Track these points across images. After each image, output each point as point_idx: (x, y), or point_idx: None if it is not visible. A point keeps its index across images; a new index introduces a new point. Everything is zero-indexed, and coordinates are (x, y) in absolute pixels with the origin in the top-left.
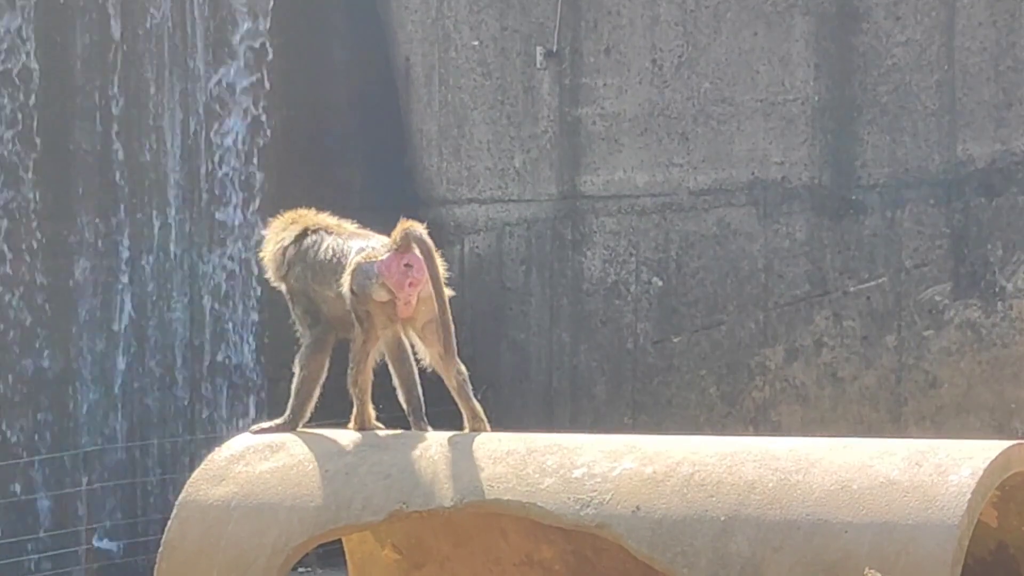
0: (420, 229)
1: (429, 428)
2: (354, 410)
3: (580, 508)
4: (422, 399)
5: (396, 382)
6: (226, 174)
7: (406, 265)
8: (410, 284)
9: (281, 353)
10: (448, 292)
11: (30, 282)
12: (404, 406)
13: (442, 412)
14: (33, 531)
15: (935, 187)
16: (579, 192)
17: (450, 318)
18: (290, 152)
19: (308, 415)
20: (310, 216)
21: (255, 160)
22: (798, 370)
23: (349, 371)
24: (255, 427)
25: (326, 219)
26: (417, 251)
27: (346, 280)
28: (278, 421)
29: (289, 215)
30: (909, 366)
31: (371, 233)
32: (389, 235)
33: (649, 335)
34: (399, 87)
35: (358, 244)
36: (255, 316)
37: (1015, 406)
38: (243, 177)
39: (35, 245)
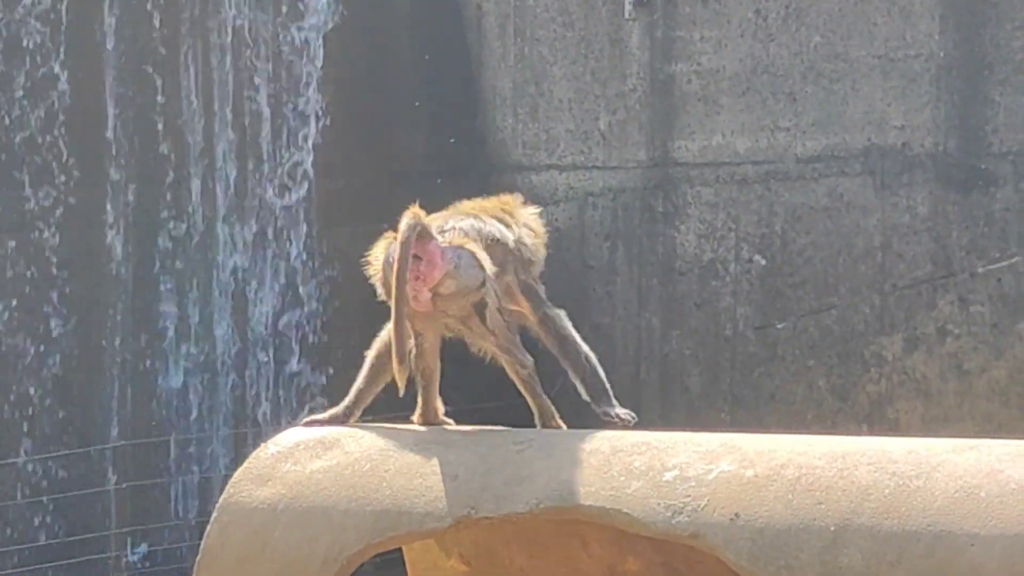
0: (407, 217)
1: (616, 410)
2: (419, 401)
3: (671, 515)
4: (604, 381)
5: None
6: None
7: (415, 257)
8: (416, 278)
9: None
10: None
11: None
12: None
13: (508, 406)
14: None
15: None
16: (672, 159)
17: (400, 327)
18: (345, 112)
19: (362, 407)
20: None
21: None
22: (919, 361)
23: (411, 358)
24: (307, 419)
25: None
26: (436, 242)
27: (375, 272)
28: (334, 410)
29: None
30: None
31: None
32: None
33: (750, 320)
34: (469, 38)
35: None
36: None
37: None
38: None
39: None
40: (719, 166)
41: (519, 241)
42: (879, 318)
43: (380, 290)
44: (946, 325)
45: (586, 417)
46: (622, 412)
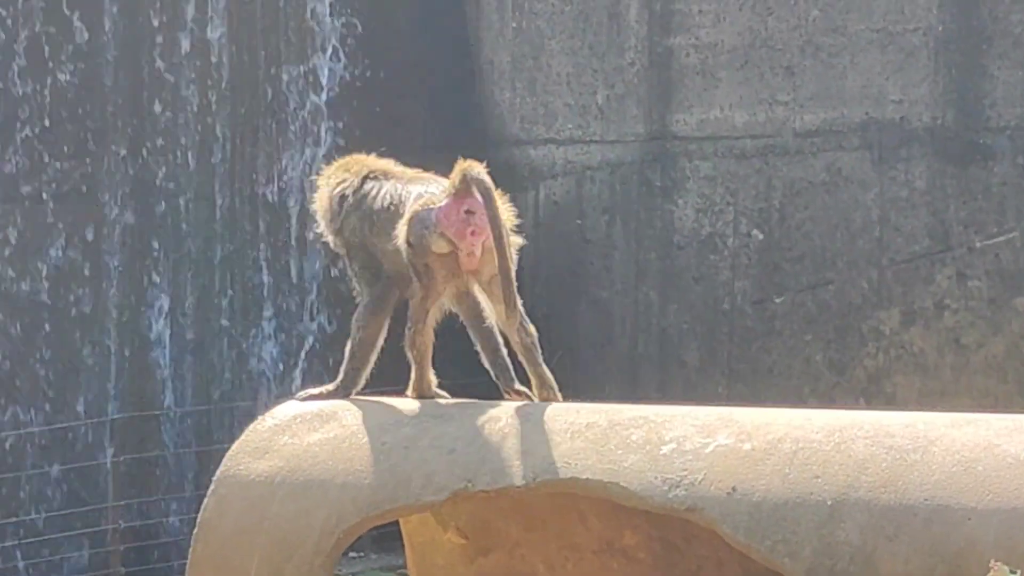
0: (480, 169)
1: (525, 391)
2: (412, 375)
3: (668, 489)
4: (508, 361)
5: (477, 345)
6: None
7: (467, 212)
8: (472, 233)
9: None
10: (517, 241)
11: None
12: (490, 370)
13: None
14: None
15: None
16: (670, 132)
17: (511, 270)
18: (343, 85)
19: (363, 382)
20: (367, 161)
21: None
22: (916, 336)
23: (407, 331)
24: (302, 393)
25: (385, 164)
26: (478, 195)
27: (402, 231)
28: (329, 387)
29: (343, 161)
30: None
31: (435, 177)
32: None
33: (748, 294)
34: (468, 12)
35: (418, 189)
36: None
37: None
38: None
39: None
40: (717, 140)
41: None
42: (876, 292)
43: (404, 248)
44: (944, 300)
45: (582, 391)
46: (518, 389)
